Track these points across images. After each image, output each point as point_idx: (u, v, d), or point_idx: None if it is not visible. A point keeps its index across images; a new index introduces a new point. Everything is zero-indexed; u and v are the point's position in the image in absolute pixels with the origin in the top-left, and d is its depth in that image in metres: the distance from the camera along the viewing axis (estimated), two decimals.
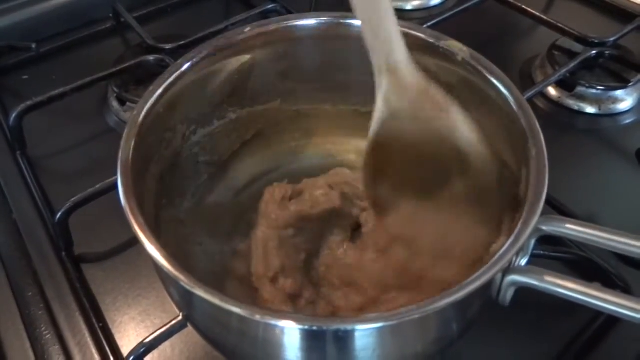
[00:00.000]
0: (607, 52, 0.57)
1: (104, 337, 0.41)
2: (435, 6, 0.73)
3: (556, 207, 0.45)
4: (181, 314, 0.33)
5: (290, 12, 0.68)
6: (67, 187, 0.50)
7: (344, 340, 0.25)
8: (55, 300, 0.43)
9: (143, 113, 0.34)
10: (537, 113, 0.59)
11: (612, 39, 0.58)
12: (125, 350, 0.40)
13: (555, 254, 0.40)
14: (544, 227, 0.27)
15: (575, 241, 0.36)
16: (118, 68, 0.58)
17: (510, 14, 0.66)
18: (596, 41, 0.58)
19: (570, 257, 0.40)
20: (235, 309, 0.24)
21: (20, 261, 0.46)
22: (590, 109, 0.57)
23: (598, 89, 0.56)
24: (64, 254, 0.46)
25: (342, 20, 0.41)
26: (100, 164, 0.53)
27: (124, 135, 0.32)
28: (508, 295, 0.27)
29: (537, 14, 0.63)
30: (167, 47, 0.60)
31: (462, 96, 0.36)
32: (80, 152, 0.56)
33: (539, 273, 0.26)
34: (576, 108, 0.57)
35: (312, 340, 0.26)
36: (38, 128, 0.56)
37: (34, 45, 0.63)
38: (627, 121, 0.56)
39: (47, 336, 0.41)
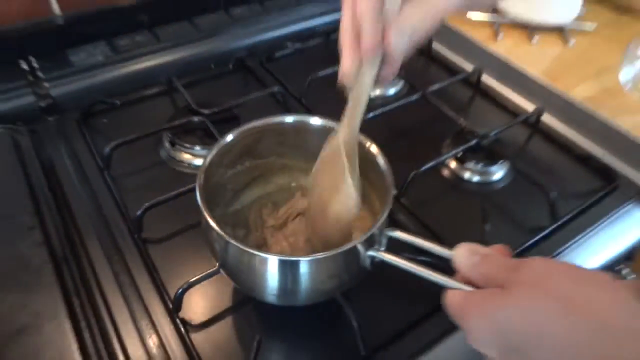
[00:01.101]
0: (485, 142, 0.78)
1: (162, 286, 0.60)
2: (390, 96, 0.95)
3: (441, 238, 0.65)
4: (217, 264, 0.54)
5: (290, 94, 0.90)
6: (136, 195, 0.70)
7: (293, 266, 0.47)
8: (133, 266, 0.62)
9: (207, 161, 0.55)
10: (441, 179, 0.82)
11: (492, 134, 0.78)
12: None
13: (420, 257, 0.54)
14: (388, 233, 0.52)
15: None
16: (174, 124, 0.78)
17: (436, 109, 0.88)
18: (481, 134, 0.78)
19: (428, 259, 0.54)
20: (246, 249, 0.46)
21: (109, 242, 0.65)
22: (475, 178, 0.77)
23: (479, 165, 0.77)
24: (136, 236, 0.65)
25: (309, 120, 0.61)
26: (156, 182, 0.74)
27: (199, 171, 0.53)
28: (367, 262, 0.50)
29: (449, 114, 0.84)
30: (205, 112, 0.80)
31: (361, 163, 0.54)
32: (143, 173, 0.75)
33: (381, 251, 0.51)
34: (467, 176, 0.77)
35: (281, 267, 0.47)
36: (115, 156, 0.74)
37: (118, 102, 0.83)
38: (499, 187, 0.77)
39: (129, 286, 0.61)
